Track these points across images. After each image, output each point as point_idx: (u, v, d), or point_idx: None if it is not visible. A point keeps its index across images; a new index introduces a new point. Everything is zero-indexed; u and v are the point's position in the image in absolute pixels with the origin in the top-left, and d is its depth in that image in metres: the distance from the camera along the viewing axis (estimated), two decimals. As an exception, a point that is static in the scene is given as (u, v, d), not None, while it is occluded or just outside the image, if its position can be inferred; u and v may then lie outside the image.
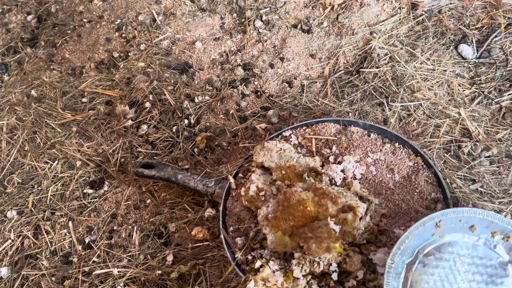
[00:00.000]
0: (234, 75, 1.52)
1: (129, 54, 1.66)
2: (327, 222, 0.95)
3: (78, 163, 1.36)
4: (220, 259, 1.12)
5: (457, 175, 1.12)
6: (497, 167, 1.13)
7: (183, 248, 1.16)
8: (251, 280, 0.92)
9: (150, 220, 1.23)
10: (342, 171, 1.11)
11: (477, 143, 1.17)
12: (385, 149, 1.15)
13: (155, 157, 1.36)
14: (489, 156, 1.15)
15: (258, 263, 0.95)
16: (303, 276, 0.92)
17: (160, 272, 1.11)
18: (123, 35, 1.70)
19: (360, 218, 0.97)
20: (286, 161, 1.12)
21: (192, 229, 1.17)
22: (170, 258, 1.14)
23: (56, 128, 1.47)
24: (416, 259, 0.92)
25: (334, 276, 0.91)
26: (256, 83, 1.49)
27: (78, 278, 1.12)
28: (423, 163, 1.11)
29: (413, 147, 1.14)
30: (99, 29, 1.74)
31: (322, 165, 1.13)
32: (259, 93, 1.47)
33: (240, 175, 1.19)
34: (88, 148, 1.40)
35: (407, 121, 1.27)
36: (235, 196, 1.15)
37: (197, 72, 1.55)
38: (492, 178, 1.11)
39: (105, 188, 1.32)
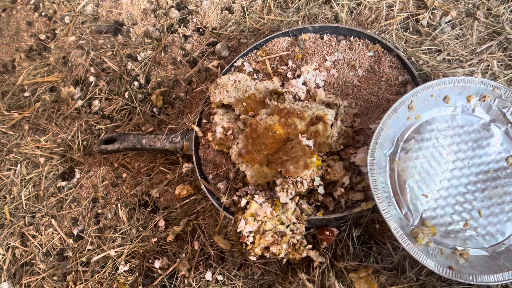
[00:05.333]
0: (169, 18, 1.40)
1: (56, 31, 1.53)
2: (299, 139, 0.90)
3: (42, 160, 1.30)
4: (211, 209, 1.09)
5: (421, 50, 1.06)
6: (460, 29, 1.06)
7: (172, 210, 1.13)
8: (240, 219, 0.89)
9: (131, 193, 1.19)
10: (304, 84, 1.05)
11: (434, 11, 1.09)
12: (341, 47, 1.07)
13: (116, 130, 1.29)
14: (449, 21, 1.08)
15: (243, 201, 0.91)
16: (290, 199, 0.89)
17: (156, 239, 1.08)
18: (43, 13, 1.56)
19: (332, 125, 0.92)
20: (245, 92, 1.05)
21: (175, 188, 1.13)
22: (162, 223, 1.11)
23: (7, 132, 1.38)
24: (397, 148, 0.89)
25: (321, 190, 0.88)
26: (195, 20, 1.38)
27: (79, 270, 1.10)
28: (383, 50, 1.04)
29: (369, 35, 1.06)
30: (17, 15, 1.59)
31: (282, 84, 1.07)
32: (201, 30, 1.36)
33: (204, 120, 1.13)
34: (46, 142, 1.33)
35: (358, 11, 1.18)
36: (205, 144, 1.10)
37: (131, 28, 1.43)
38: (457, 43, 1.04)
39: (77, 176, 1.26)
